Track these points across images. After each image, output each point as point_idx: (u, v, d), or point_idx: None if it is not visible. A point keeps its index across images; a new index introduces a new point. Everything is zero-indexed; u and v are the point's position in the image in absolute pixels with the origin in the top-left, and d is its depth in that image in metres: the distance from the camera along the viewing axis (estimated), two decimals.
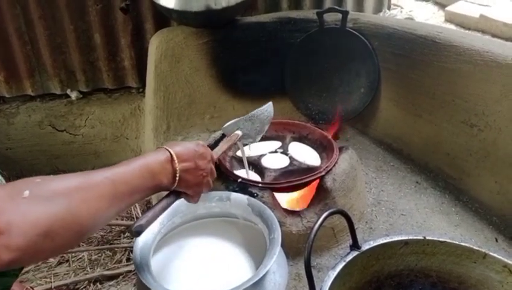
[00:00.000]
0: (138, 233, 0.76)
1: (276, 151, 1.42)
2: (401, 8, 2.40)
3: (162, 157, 0.77)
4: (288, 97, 1.88)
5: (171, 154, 0.78)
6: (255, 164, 1.35)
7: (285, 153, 1.41)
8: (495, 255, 0.87)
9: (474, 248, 0.89)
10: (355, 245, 0.89)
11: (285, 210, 1.25)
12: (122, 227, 1.67)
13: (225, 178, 1.24)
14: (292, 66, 1.85)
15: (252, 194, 1.15)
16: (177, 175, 0.78)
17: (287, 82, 1.87)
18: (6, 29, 1.84)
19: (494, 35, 1.96)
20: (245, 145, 1.24)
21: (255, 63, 1.83)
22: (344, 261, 0.86)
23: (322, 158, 1.38)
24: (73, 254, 1.58)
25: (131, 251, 1.42)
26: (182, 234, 1.02)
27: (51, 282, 1.45)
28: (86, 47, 1.94)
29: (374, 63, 1.75)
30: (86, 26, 1.90)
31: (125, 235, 1.66)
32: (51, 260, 1.56)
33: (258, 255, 0.93)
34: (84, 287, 1.45)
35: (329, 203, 1.25)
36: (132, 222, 1.06)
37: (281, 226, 0.94)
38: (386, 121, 1.78)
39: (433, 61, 1.52)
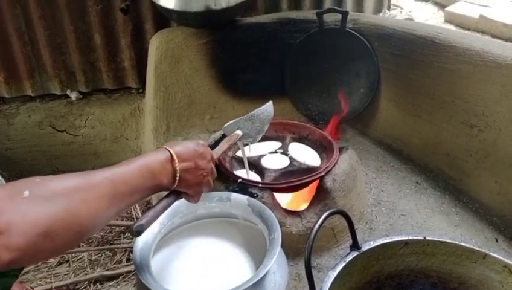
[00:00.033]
0: (139, 233, 0.76)
1: (276, 152, 1.42)
2: (401, 8, 2.40)
3: (162, 157, 0.77)
4: (288, 98, 1.88)
5: (171, 154, 0.78)
6: (255, 165, 1.35)
7: (285, 153, 1.41)
8: (495, 255, 0.87)
9: (475, 248, 0.89)
10: (355, 245, 0.89)
11: (285, 210, 1.25)
12: (122, 227, 1.67)
13: (225, 178, 1.24)
14: (292, 67, 1.85)
15: (252, 195, 1.15)
16: (177, 175, 0.78)
17: (287, 82, 1.87)
18: (6, 30, 1.84)
19: (493, 36, 1.96)
20: (245, 145, 1.24)
21: (254, 63, 1.83)
22: (344, 261, 0.86)
23: (322, 158, 1.38)
24: (73, 254, 1.58)
25: (131, 251, 1.42)
26: (182, 234, 1.02)
27: (51, 282, 1.45)
28: (86, 47, 1.94)
29: (373, 63, 1.75)
30: (86, 27, 1.90)
31: (125, 236, 1.66)
32: (51, 260, 1.56)
33: (258, 256, 0.93)
34: (84, 287, 1.45)
35: (329, 203, 1.25)
36: (132, 223, 1.06)
37: (281, 226, 0.94)
38: (386, 121, 1.78)
39: (432, 61, 1.52)
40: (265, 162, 1.37)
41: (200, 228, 1.03)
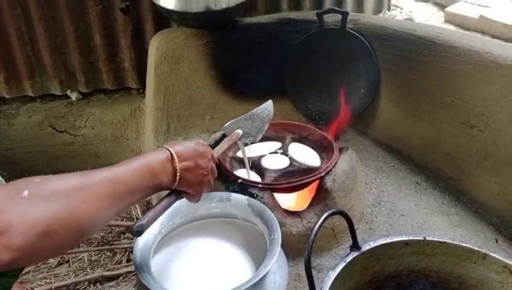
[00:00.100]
0: (139, 233, 0.76)
1: (276, 152, 1.42)
2: (401, 8, 2.40)
3: (162, 157, 0.77)
4: (288, 98, 1.88)
5: (171, 153, 0.78)
6: (255, 165, 1.35)
7: (285, 153, 1.41)
8: (495, 255, 0.87)
9: (475, 248, 0.89)
10: (355, 246, 0.89)
11: (285, 211, 1.25)
12: (122, 228, 1.67)
13: (225, 179, 1.24)
14: (292, 67, 1.85)
15: (252, 195, 1.15)
16: (178, 174, 0.78)
17: (287, 83, 1.87)
18: (6, 30, 1.84)
19: (493, 36, 1.96)
20: (245, 145, 1.24)
21: (255, 63, 1.83)
22: (344, 261, 0.86)
23: (322, 159, 1.38)
24: (73, 255, 1.58)
25: (131, 252, 1.42)
26: (182, 234, 1.02)
27: (51, 283, 1.45)
28: (86, 48, 1.94)
29: (373, 63, 1.75)
30: (86, 27, 1.90)
31: (125, 236, 1.66)
32: (51, 260, 1.56)
33: (258, 256, 0.93)
34: (84, 288, 1.45)
35: (329, 203, 1.25)
36: (132, 223, 1.06)
37: (281, 226, 0.94)
38: (386, 121, 1.78)
39: (432, 62, 1.52)
40: (266, 163, 1.37)
41: (200, 228, 1.03)
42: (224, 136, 1.20)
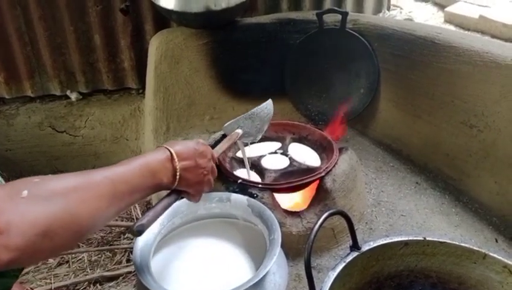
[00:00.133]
0: (140, 232, 0.76)
1: (276, 152, 1.42)
2: (401, 8, 2.41)
3: (162, 156, 0.77)
4: (288, 98, 1.88)
5: (171, 153, 0.78)
6: (255, 165, 1.35)
7: (285, 154, 1.41)
8: (495, 255, 0.87)
9: (474, 248, 0.89)
10: (355, 246, 0.89)
11: (285, 211, 1.25)
12: (122, 228, 1.67)
13: (225, 179, 1.24)
14: (292, 67, 1.85)
15: (251, 195, 1.15)
16: (178, 174, 0.78)
17: (287, 83, 1.87)
18: (6, 30, 1.85)
19: (493, 36, 1.96)
20: (245, 145, 1.24)
21: (254, 64, 1.83)
22: (344, 262, 0.86)
23: (321, 159, 1.38)
24: (73, 255, 1.58)
25: (131, 252, 1.42)
26: (182, 234, 1.02)
27: (51, 283, 1.45)
28: (85, 48, 1.94)
29: (373, 63, 1.75)
30: (86, 27, 1.90)
31: (125, 236, 1.66)
32: (51, 261, 1.56)
33: (258, 256, 0.93)
34: (84, 288, 1.45)
35: (329, 204, 1.25)
36: (132, 223, 1.06)
37: (281, 227, 0.94)
38: (386, 121, 1.78)
39: (432, 62, 1.52)
40: (265, 163, 1.37)
41: (200, 229, 1.03)
42: (224, 136, 1.20)
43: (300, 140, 1.47)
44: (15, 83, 1.97)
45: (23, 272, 1.41)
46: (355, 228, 0.91)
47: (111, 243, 1.63)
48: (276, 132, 1.48)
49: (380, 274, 0.93)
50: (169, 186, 0.79)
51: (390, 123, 1.76)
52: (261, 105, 1.18)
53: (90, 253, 1.58)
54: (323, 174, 1.26)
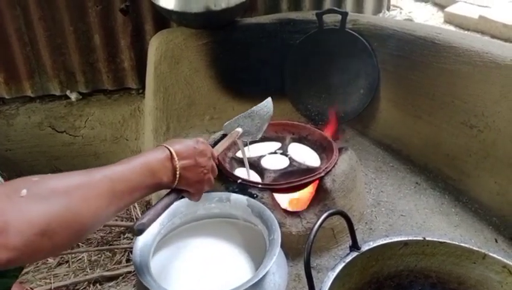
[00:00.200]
0: (140, 232, 0.75)
1: (275, 152, 1.42)
2: (401, 9, 2.41)
3: (162, 155, 0.77)
4: (288, 98, 1.88)
5: (170, 152, 0.78)
6: (255, 165, 1.35)
7: (284, 154, 1.41)
8: (494, 255, 0.87)
9: (474, 248, 0.89)
10: (354, 246, 0.89)
11: (285, 211, 1.25)
12: (122, 228, 1.67)
13: (225, 179, 1.24)
14: (292, 67, 1.85)
15: (251, 195, 1.15)
16: (178, 173, 0.78)
17: (287, 83, 1.87)
18: (6, 30, 1.84)
19: (493, 36, 1.96)
20: (245, 145, 1.24)
21: (254, 64, 1.83)
22: (344, 262, 0.86)
23: (321, 159, 1.38)
24: (73, 255, 1.58)
25: (131, 252, 1.42)
26: (182, 234, 1.02)
27: (51, 283, 1.45)
28: (85, 48, 1.94)
29: (373, 64, 1.75)
30: (86, 28, 1.90)
31: (125, 236, 1.66)
32: (51, 260, 1.56)
33: (257, 256, 0.93)
34: (84, 288, 1.45)
35: (328, 204, 1.25)
36: (132, 223, 1.06)
37: (280, 227, 0.94)
38: (386, 122, 1.78)
39: (432, 62, 1.52)
40: (265, 163, 1.37)
41: (199, 229, 1.03)
42: (224, 135, 1.20)
43: (300, 140, 1.47)
44: (15, 83, 1.97)
45: (22, 272, 1.41)
46: (355, 228, 0.91)
47: (111, 243, 1.63)
48: (276, 132, 1.48)
49: (379, 274, 0.93)
50: (169, 185, 0.79)
51: (390, 123, 1.76)
52: (261, 103, 1.19)
53: (90, 253, 1.58)
54: (322, 174, 1.26)
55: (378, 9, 2.27)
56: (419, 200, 1.47)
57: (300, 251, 1.21)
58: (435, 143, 1.57)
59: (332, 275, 0.82)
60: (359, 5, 2.17)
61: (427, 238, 0.91)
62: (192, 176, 0.81)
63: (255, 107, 1.17)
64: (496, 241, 1.31)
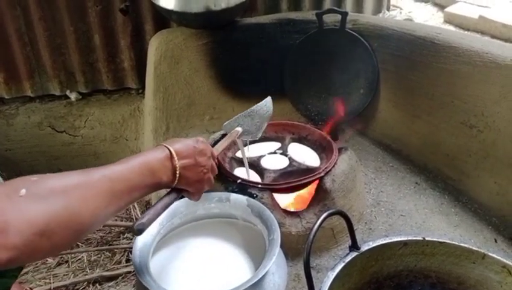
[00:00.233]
0: (140, 231, 0.75)
1: (275, 152, 1.42)
2: (401, 9, 2.41)
3: (162, 155, 0.76)
4: (288, 98, 1.88)
5: (170, 151, 0.77)
6: (255, 165, 1.35)
7: (284, 154, 1.41)
8: (494, 255, 0.87)
9: (474, 248, 0.89)
10: (354, 246, 0.89)
11: (285, 211, 1.25)
12: (122, 228, 1.67)
13: (224, 179, 1.24)
14: (291, 67, 1.85)
15: (251, 195, 1.15)
16: (177, 172, 0.77)
17: (287, 83, 1.87)
18: (6, 30, 1.84)
19: (493, 37, 1.96)
20: (245, 145, 1.24)
21: (254, 64, 1.83)
22: (343, 262, 0.86)
23: (321, 159, 1.38)
24: (72, 255, 1.58)
25: (131, 252, 1.42)
26: (181, 235, 1.02)
27: (50, 283, 1.45)
28: (85, 48, 1.94)
29: (373, 64, 1.75)
30: (86, 28, 1.90)
31: (125, 236, 1.66)
32: (50, 260, 1.56)
33: (257, 256, 0.93)
34: (84, 288, 1.45)
35: (328, 204, 1.25)
36: (131, 223, 1.06)
37: (280, 227, 0.94)
38: (385, 122, 1.78)
39: (432, 62, 1.52)
40: (265, 163, 1.37)
41: (199, 229, 1.03)
42: (224, 135, 1.20)
43: (300, 140, 1.47)
44: (15, 83, 1.97)
45: (22, 272, 1.41)
46: (355, 228, 0.91)
47: (110, 243, 1.63)
48: (276, 132, 1.48)
49: (379, 274, 0.93)
50: (169, 184, 0.78)
51: (390, 123, 1.76)
52: (261, 102, 1.19)
53: (90, 253, 1.58)
54: (322, 174, 1.26)
55: (378, 9, 2.27)
56: (418, 200, 1.47)
57: (300, 251, 1.21)
58: (435, 143, 1.57)
59: (332, 275, 0.82)
60: (359, 5, 2.17)
61: (426, 238, 0.91)
62: (192, 176, 0.81)
63: (254, 106, 1.17)
64: (496, 241, 1.31)
